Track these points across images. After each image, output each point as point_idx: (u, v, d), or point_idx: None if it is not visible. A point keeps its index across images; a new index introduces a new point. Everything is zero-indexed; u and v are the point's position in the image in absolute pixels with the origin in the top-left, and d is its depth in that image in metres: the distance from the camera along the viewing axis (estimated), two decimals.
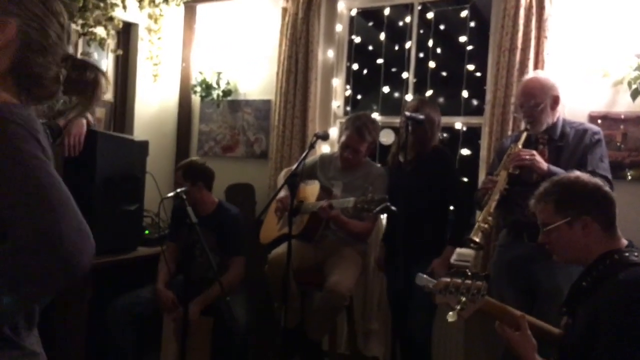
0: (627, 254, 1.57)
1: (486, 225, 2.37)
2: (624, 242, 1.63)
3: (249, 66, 4.03)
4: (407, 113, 2.66)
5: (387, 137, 3.63)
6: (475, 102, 3.53)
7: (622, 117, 2.87)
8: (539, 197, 1.70)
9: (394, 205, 2.48)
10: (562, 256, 1.70)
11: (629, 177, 2.83)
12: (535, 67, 2.94)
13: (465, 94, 3.40)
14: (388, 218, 3.04)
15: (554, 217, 1.65)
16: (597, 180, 1.69)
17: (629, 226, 1.97)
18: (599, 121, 2.89)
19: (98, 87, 1.14)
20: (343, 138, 2.98)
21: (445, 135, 3.48)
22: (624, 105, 2.87)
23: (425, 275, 1.65)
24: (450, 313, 1.54)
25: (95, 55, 3.68)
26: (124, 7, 3.50)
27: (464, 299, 1.55)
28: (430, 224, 2.78)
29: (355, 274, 2.96)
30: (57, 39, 1.05)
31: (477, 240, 2.37)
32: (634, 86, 2.76)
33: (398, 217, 2.53)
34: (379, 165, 3.21)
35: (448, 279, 1.58)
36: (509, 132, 2.98)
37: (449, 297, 1.56)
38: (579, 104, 2.92)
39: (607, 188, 1.67)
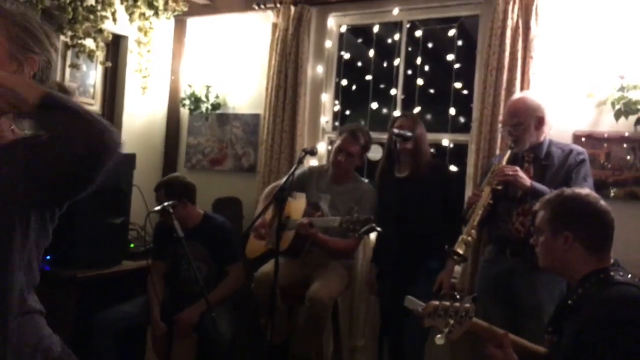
0: (612, 273, 1.59)
1: (469, 238, 2.39)
2: (613, 261, 1.65)
3: (239, 80, 4.04)
4: (395, 130, 2.69)
5: (375, 153, 3.65)
6: (462, 119, 3.57)
7: (606, 136, 2.92)
8: (543, 202, 1.75)
9: (386, 221, 2.48)
10: (543, 262, 1.74)
11: (612, 195, 2.88)
12: (522, 86, 2.99)
13: (452, 111, 3.44)
14: (378, 238, 3.03)
15: (545, 224, 1.70)
16: (600, 205, 1.65)
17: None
18: (583, 139, 2.94)
19: None
20: (337, 142, 2.99)
21: (432, 150, 3.50)
22: (607, 125, 2.92)
23: (413, 298, 1.66)
24: (438, 336, 1.54)
25: (84, 67, 3.67)
26: (114, 20, 3.50)
27: (452, 321, 1.55)
28: (424, 239, 2.73)
29: (339, 285, 2.95)
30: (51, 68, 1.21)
31: (461, 252, 2.39)
32: (617, 106, 2.82)
33: (389, 234, 2.53)
34: (366, 181, 3.22)
35: (437, 302, 1.58)
36: (497, 150, 3.02)
37: (438, 320, 1.57)
38: (564, 124, 2.97)
39: (606, 212, 1.65)
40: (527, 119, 2.54)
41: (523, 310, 2.46)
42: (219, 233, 3.05)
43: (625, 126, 2.86)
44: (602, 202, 1.68)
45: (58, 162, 1.05)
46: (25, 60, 1.13)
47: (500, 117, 3.02)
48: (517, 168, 2.46)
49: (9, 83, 1.02)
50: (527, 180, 2.43)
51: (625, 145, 2.89)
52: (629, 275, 1.60)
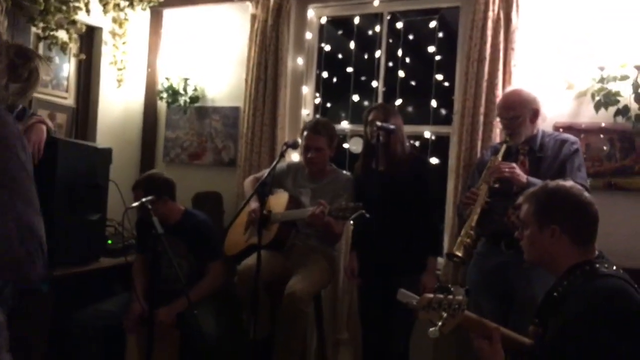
0: (597, 265, 1.59)
1: (469, 240, 2.37)
2: (597, 254, 1.66)
3: (217, 72, 3.97)
4: (378, 123, 2.67)
5: (356, 146, 3.63)
6: (443, 111, 3.57)
7: (584, 127, 2.94)
8: (527, 196, 1.76)
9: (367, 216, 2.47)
10: (529, 256, 1.75)
11: (589, 185, 2.89)
12: (504, 78, 2.99)
13: (434, 103, 3.43)
14: (358, 226, 3.00)
15: (530, 217, 1.71)
16: (585, 197, 1.67)
17: None
18: (562, 131, 2.95)
19: (38, 74, 1.22)
20: (303, 142, 2.97)
21: (414, 143, 3.48)
22: (587, 116, 2.95)
23: (406, 291, 1.65)
24: (432, 329, 1.53)
25: (57, 60, 3.56)
26: (87, 11, 3.40)
27: (445, 314, 1.54)
28: (405, 234, 2.75)
29: (320, 279, 2.93)
30: None
31: (460, 254, 2.37)
32: (597, 98, 2.84)
33: (371, 225, 2.52)
34: (345, 172, 3.19)
35: (431, 295, 1.57)
36: (479, 142, 3.01)
37: (432, 313, 1.56)
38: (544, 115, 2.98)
39: (590, 204, 1.66)
40: (524, 112, 2.53)
41: (517, 305, 2.45)
42: (200, 230, 3.01)
43: (603, 117, 2.88)
44: (586, 194, 1.69)
45: None
46: None
47: (482, 109, 3.02)
48: (514, 165, 2.43)
49: None
50: (523, 177, 2.40)
51: (602, 136, 2.92)
52: (614, 267, 1.61)
